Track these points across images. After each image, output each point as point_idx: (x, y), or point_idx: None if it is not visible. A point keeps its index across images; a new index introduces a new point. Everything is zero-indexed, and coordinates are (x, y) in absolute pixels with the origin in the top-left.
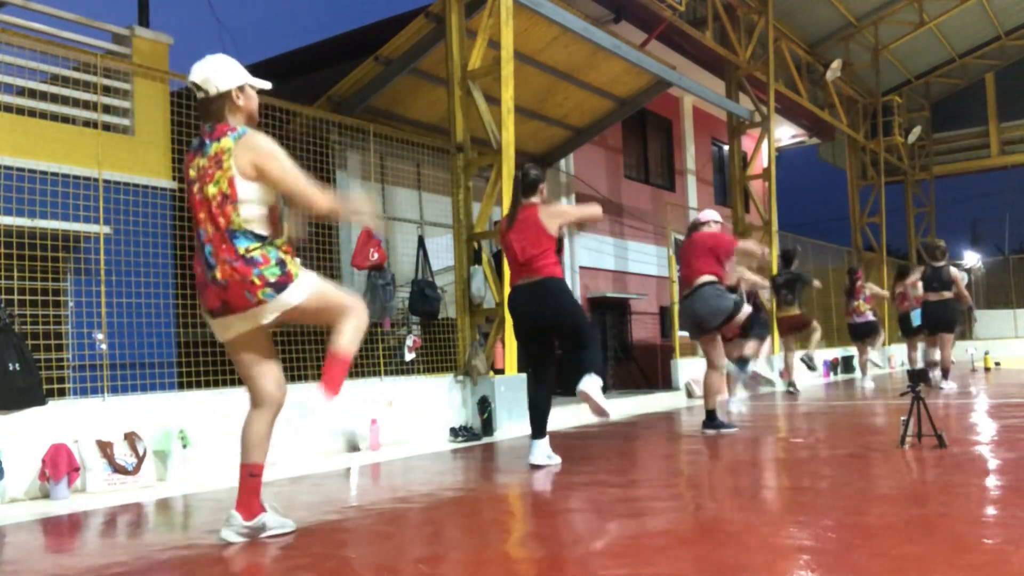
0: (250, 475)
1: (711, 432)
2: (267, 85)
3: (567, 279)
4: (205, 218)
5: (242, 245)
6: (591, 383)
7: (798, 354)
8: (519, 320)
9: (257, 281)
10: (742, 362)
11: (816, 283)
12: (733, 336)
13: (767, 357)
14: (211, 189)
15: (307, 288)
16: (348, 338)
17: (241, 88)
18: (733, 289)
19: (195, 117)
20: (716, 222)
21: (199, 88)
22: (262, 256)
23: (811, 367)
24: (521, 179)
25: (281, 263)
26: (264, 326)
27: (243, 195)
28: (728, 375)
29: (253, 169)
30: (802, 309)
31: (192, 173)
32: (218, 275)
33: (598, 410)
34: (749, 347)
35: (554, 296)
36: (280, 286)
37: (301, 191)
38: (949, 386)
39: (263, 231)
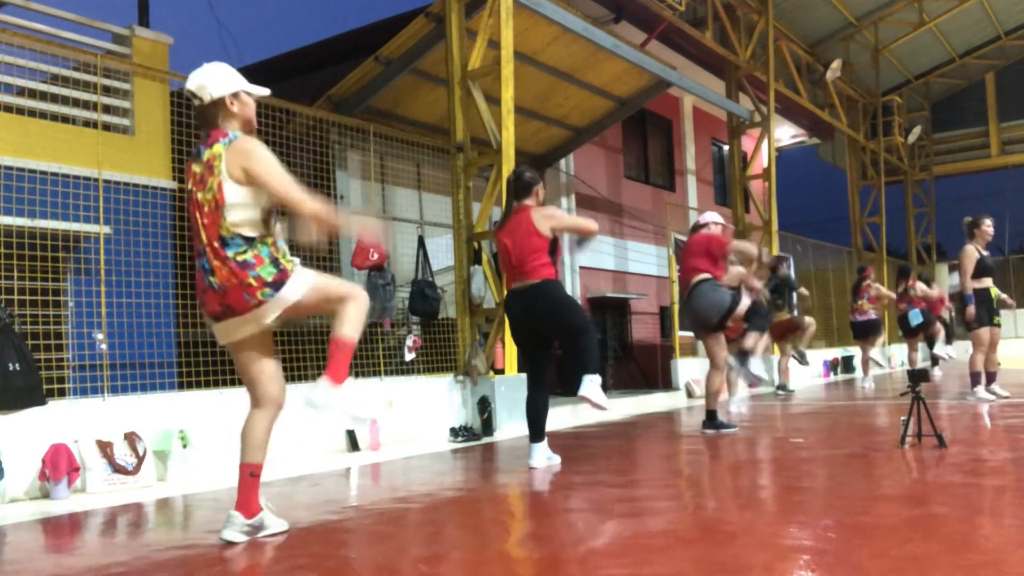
0: (250, 475)
1: (711, 432)
2: (264, 92)
3: (567, 279)
4: (201, 223)
5: (231, 251)
6: (590, 386)
7: (792, 351)
8: (514, 324)
9: (254, 283)
10: (743, 355)
11: (802, 291)
12: (737, 333)
13: (764, 357)
14: (206, 195)
15: (305, 283)
16: (350, 325)
17: (235, 95)
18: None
19: (195, 117)
20: (716, 223)
21: (195, 96)
22: (255, 257)
23: (802, 362)
24: (514, 181)
25: (275, 261)
26: (267, 326)
27: (231, 199)
28: (729, 375)
29: (242, 173)
30: (791, 313)
31: (191, 179)
32: (215, 280)
33: (597, 407)
34: (750, 339)
35: (546, 299)
36: (278, 284)
37: (285, 194)
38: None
39: (252, 233)
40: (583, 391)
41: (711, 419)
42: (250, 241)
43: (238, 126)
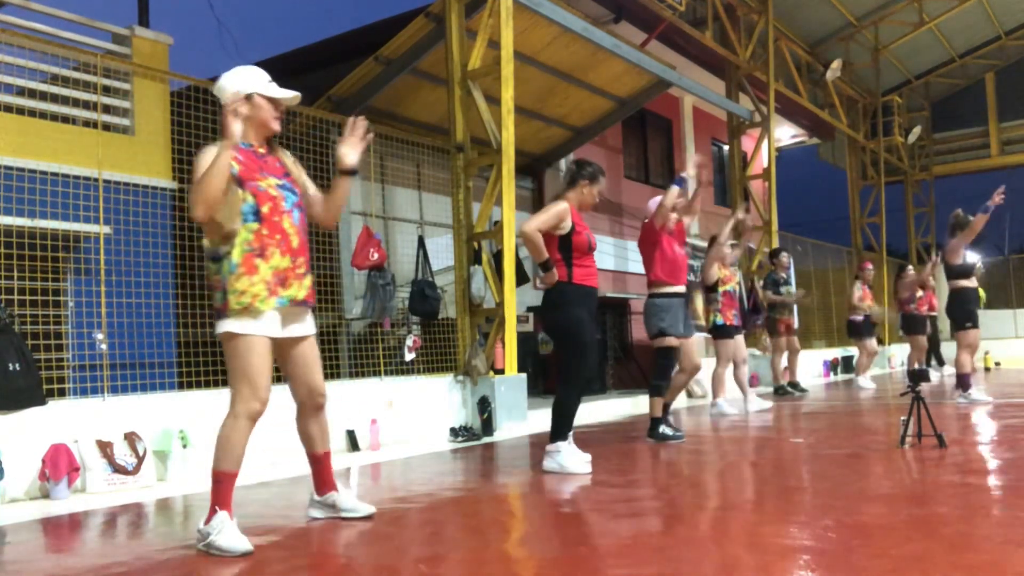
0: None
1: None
2: (284, 94)
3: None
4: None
5: (210, 267)
6: (554, 457)
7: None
8: None
9: (213, 300)
10: (654, 424)
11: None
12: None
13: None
14: None
15: (229, 329)
16: (216, 453)
17: (248, 96)
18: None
19: (195, 117)
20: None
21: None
22: (216, 281)
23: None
24: (569, 169)
25: (224, 292)
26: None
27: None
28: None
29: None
30: (784, 315)
31: None
32: None
33: (567, 473)
34: (654, 406)
35: (544, 299)
36: (219, 313)
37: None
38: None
39: (221, 249)
40: (548, 467)
41: (654, 426)
42: (217, 260)
43: (253, 128)
